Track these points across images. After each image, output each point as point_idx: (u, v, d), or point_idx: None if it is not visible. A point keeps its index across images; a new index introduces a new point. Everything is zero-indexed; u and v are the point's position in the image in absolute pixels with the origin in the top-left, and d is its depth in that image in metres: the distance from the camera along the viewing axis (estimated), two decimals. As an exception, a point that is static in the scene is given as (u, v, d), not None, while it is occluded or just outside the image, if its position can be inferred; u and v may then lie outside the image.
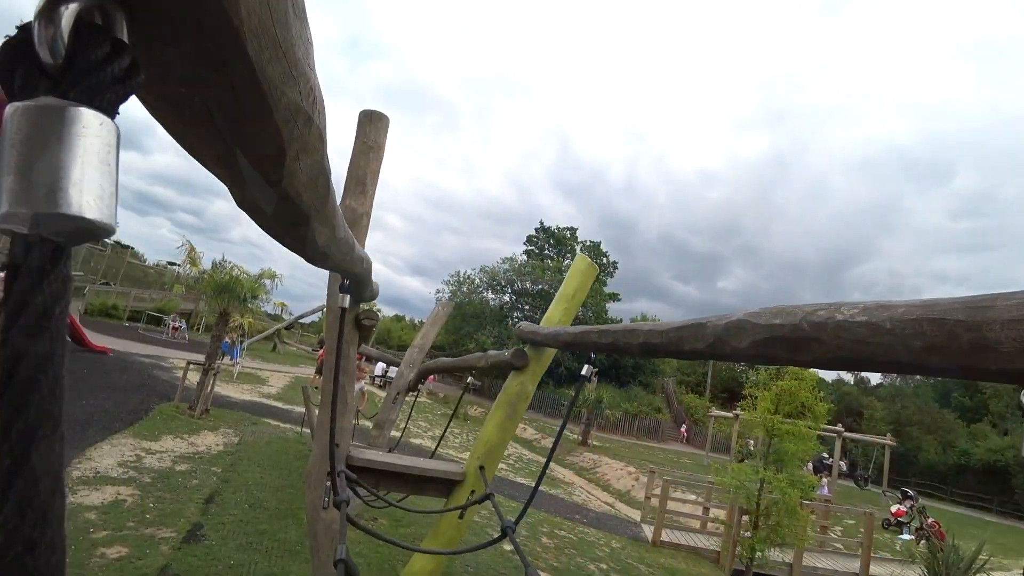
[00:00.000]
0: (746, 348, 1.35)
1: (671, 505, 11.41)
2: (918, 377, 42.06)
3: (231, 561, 4.93)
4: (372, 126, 3.08)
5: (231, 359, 17.77)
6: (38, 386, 0.29)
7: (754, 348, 1.32)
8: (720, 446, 27.74)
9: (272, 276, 12.54)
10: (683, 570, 8.97)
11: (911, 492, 16.15)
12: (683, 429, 32.25)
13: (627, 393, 35.49)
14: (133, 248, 37.90)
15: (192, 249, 12.27)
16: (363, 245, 3.05)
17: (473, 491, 3.19)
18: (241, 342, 19.30)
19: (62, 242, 0.30)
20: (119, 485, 6.34)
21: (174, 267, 30.59)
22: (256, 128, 0.45)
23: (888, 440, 22.95)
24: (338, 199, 3.11)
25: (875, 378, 46.33)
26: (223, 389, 13.47)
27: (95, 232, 0.30)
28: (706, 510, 12.22)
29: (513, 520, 2.48)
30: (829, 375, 46.96)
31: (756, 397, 9.70)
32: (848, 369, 1.15)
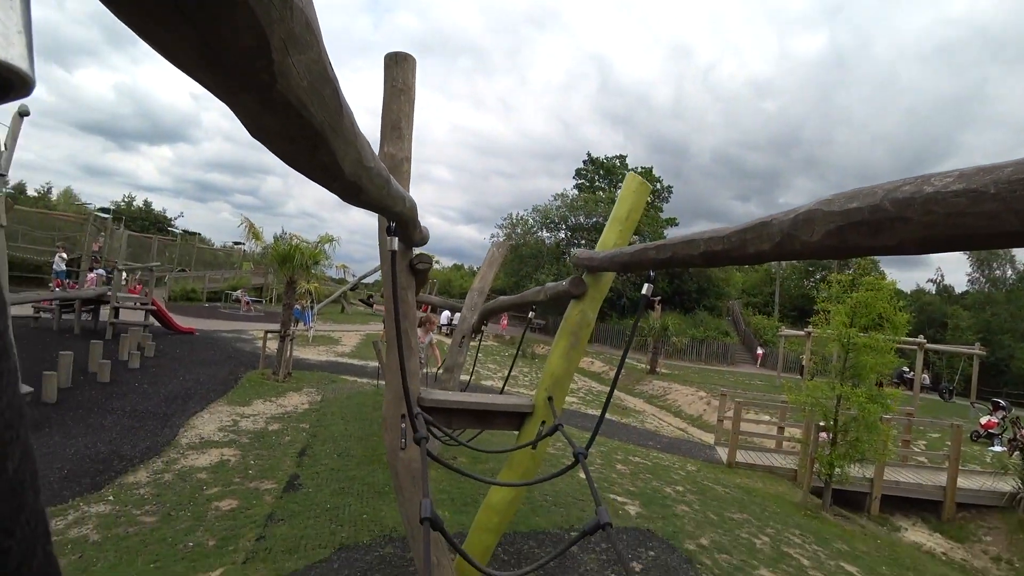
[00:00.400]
0: (819, 240, 1.23)
1: (744, 427, 11.34)
2: (1011, 279, 38.82)
3: (327, 505, 5.34)
4: (399, 68, 2.99)
5: (304, 324, 18.75)
6: None
7: (828, 239, 1.20)
8: (792, 366, 27.10)
9: (330, 240, 12.93)
10: (760, 489, 8.97)
11: (1003, 402, 15.08)
12: (759, 353, 31.22)
13: (693, 319, 34.99)
14: (200, 234, 39.98)
15: (251, 226, 12.79)
16: (408, 191, 3.03)
17: (543, 422, 3.24)
18: (311, 307, 20.30)
19: None
20: (222, 447, 6.94)
21: (240, 246, 32.25)
22: (224, 11, 0.40)
23: (977, 350, 21.54)
24: (376, 148, 3.07)
25: (960, 286, 43.16)
26: (301, 353, 14.30)
27: (2, 76, 0.26)
28: (781, 430, 12.07)
29: (584, 447, 2.50)
30: (907, 285, 44.22)
31: (829, 312, 9.27)
32: (940, 250, 1.01)
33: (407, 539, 3.74)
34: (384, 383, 3.76)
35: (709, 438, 13.31)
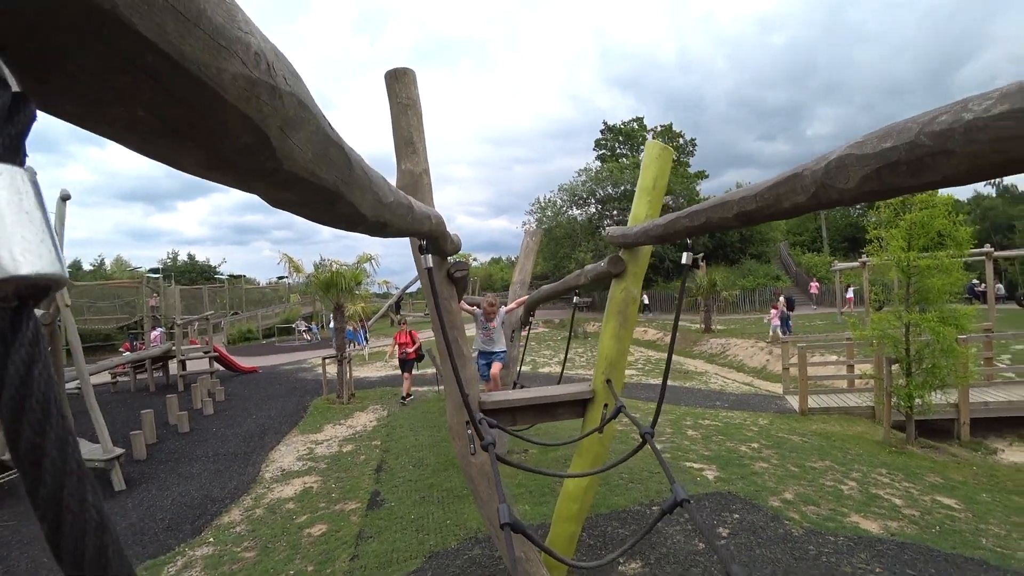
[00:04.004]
0: (856, 187, 1.17)
1: (812, 371, 10.96)
2: None
3: (411, 516, 5.50)
4: (400, 83, 3.00)
5: (358, 344, 19.26)
6: (43, 455, 0.28)
7: (866, 184, 1.14)
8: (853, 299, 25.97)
9: (368, 259, 13.19)
10: (838, 432, 8.68)
11: None
12: (814, 287, 29.28)
13: (740, 269, 34.05)
14: (245, 276, 41.53)
15: (290, 260, 13.19)
16: (430, 203, 3.05)
17: (606, 405, 3.24)
18: (362, 327, 20.84)
19: (15, 305, 0.28)
20: (303, 476, 7.23)
21: (284, 280, 33.37)
22: (215, 119, 0.41)
23: (1051, 248, 20.05)
24: (392, 167, 3.07)
25: (1021, 182, 40.19)
26: (360, 372, 14.73)
27: (41, 285, 0.28)
28: (850, 368, 11.61)
29: (649, 425, 2.49)
30: (964, 192, 41.56)
31: (883, 238, 8.81)
32: (996, 176, 0.93)
33: (493, 539, 3.82)
34: (444, 387, 3.89)
35: (777, 388, 12.95)
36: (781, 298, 18.44)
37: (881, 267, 9.73)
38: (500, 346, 4.97)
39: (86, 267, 37.26)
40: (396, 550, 4.80)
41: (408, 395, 11.24)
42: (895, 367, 8.40)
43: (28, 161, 0.29)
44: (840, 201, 1.35)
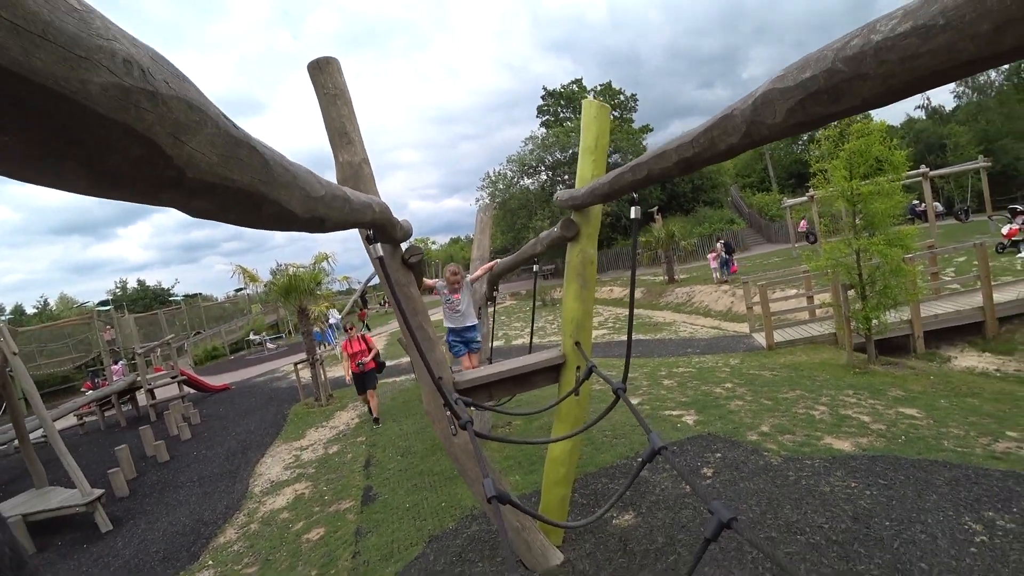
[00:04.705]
0: (783, 120, 1.19)
1: (775, 307, 11.33)
2: (996, 82, 37.51)
3: (406, 505, 5.53)
4: (324, 74, 2.90)
5: (328, 344, 18.99)
6: None
7: (792, 116, 1.16)
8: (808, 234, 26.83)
9: (324, 258, 12.91)
10: (805, 362, 9.06)
11: (1021, 207, 14.87)
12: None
13: (695, 218, 34.80)
14: (201, 293, 40.10)
15: (244, 271, 12.78)
16: (374, 192, 2.99)
17: (578, 367, 3.29)
18: (330, 327, 20.51)
19: None
20: (293, 484, 7.16)
21: (243, 292, 32.43)
22: (93, 135, 0.38)
23: (981, 163, 21.07)
24: (330, 160, 2.98)
25: (948, 103, 41.79)
26: (334, 372, 14.52)
27: None
28: (810, 299, 12.08)
29: (621, 381, 2.54)
30: (896, 118, 42.97)
31: (826, 170, 9.10)
32: (909, 95, 0.96)
33: (488, 514, 3.88)
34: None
35: (743, 328, 13.34)
36: (719, 244, 19.86)
37: (828, 199, 10.06)
38: (471, 320, 4.63)
39: (29, 310, 35.40)
40: (396, 540, 4.83)
41: (377, 417, 9.21)
42: (851, 293, 8.77)
43: None
44: (771, 136, 1.38)
